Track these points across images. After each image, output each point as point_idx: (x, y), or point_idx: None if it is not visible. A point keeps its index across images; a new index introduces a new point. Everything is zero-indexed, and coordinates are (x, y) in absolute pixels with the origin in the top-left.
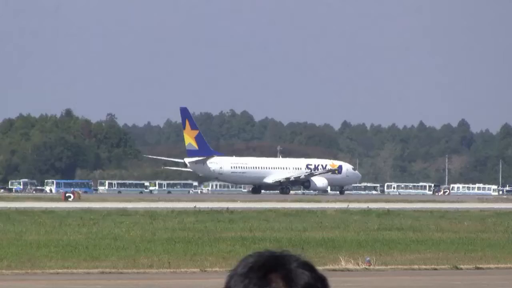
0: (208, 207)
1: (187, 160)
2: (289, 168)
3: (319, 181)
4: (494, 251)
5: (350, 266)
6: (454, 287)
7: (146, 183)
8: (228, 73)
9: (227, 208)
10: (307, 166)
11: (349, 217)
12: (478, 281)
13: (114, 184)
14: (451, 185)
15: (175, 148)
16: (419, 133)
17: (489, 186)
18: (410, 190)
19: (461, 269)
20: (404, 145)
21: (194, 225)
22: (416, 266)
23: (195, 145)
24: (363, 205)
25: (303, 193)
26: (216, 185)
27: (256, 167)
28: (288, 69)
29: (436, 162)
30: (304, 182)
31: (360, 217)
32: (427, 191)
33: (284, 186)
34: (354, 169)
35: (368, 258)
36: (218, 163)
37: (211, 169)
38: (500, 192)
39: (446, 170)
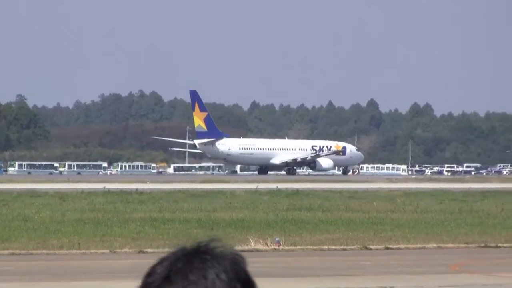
0: (117, 188)
1: (196, 141)
2: (295, 149)
3: (325, 162)
4: (403, 231)
5: (260, 246)
6: (363, 267)
7: (56, 164)
8: (136, 54)
9: (136, 189)
10: (312, 147)
11: (259, 197)
12: (388, 261)
13: (24, 165)
14: (360, 165)
15: (84, 129)
16: (328, 113)
17: (398, 166)
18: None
19: (371, 249)
20: (313, 125)
21: (103, 206)
22: (325, 247)
23: (204, 127)
24: (272, 186)
25: (309, 174)
26: (125, 166)
27: (263, 149)
28: (197, 49)
29: (345, 142)
30: (310, 163)
31: (269, 198)
32: (336, 171)
33: (290, 167)
34: (357, 150)
35: (277, 239)
36: (227, 145)
37: (219, 150)
38: (409, 172)
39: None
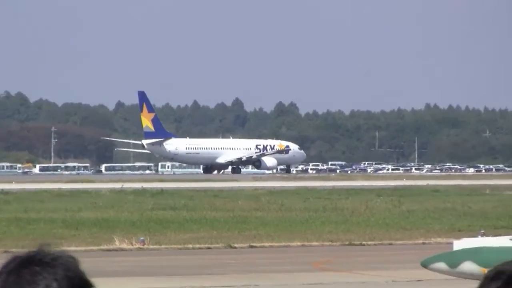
0: None
1: (144, 141)
2: (240, 149)
3: (269, 161)
4: (268, 229)
5: (124, 245)
6: (228, 266)
7: None
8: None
9: (2, 189)
10: (256, 146)
11: (124, 197)
12: (252, 260)
13: None
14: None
15: None
16: (193, 112)
17: None
18: (184, 169)
19: (235, 247)
20: (178, 125)
21: None
22: (190, 245)
23: (151, 128)
24: (137, 185)
25: (253, 173)
26: None
27: (209, 148)
28: (62, 50)
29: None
30: (255, 162)
31: (134, 197)
32: (201, 170)
33: (235, 166)
34: (300, 149)
35: (142, 238)
36: (174, 145)
37: (167, 150)
38: (274, 171)
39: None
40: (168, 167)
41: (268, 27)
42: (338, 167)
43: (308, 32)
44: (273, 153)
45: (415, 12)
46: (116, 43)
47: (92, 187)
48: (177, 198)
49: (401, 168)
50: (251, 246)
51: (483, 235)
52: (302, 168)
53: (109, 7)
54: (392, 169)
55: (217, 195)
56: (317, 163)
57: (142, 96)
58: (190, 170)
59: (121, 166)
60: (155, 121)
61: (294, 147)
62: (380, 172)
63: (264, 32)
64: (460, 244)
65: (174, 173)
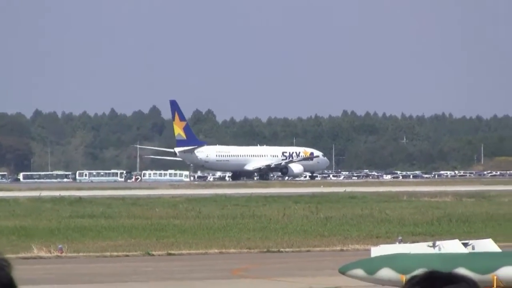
0: None
1: (176, 149)
2: (267, 156)
3: (296, 167)
4: (186, 236)
5: (43, 253)
6: (146, 273)
7: None
8: None
9: None
10: (282, 153)
11: (42, 205)
12: (170, 267)
13: None
14: (143, 172)
15: None
16: (111, 120)
17: (181, 172)
18: (102, 178)
19: (153, 255)
20: (96, 133)
21: None
22: (108, 253)
23: (183, 136)
24: (55, 193)
25: (279, 179)
26: None
27: (238, 155)
28: None
29: (128, 149)
30: (282, 169)
31: (52, 205)
32: (119, 178)
33: (263, 173)
34: (323, 155)
35: (60, 246)
36: (205, 152)
37: (198, 157)
38: (192, 178)
39: (138, 157)
40: (85, 175)
41: (183, 33)
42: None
43: (224, 37)
44: (300, 160)
45: (336, 14)
46: (33, 50)
47: (10, 195)
48: (95, 206)
49: (318, 175)
50: (169, 254)
51: (400, 241)
52: (220, 175)
53: (24, 14)
54: (310, 176)
55: (135, 203)
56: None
57: (174, 105)
58: (107, 178)
59: (39, 175)
60: (186, 130)
61: (318, 153)
62: (297, 179)
63: (180, 37)
64: (378, 250)
65: (91, 181)
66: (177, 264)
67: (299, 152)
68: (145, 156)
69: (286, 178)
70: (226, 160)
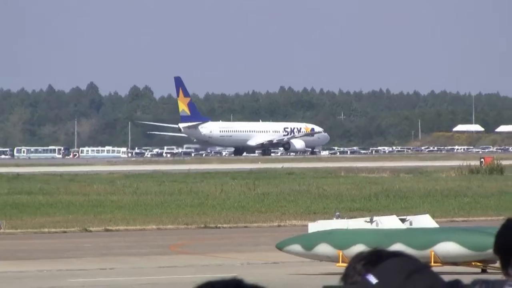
0: None
1: (181, 125)
2: (269, 131)
3: (298, 143)
4: (123, 212)
5: None
6: (84, 249)
7: None
8: None
9: None
10: (284, 129)
11: None
12: (108, 243)
13: None
14: (81, 148)
15: None
16: (48, 97)
17: (119, 148)
18: (40, 154)
19: (91, 231)
20: (34, 109)
21: None
22: (46, 229)
23: (187, 112)
24: None
25: (281, 154)
26: None
27: (241, 131)
28: None
29: (65, 125)
30: (284, 144)
31: None
32: (56, 155)
33: (265, 148)
34: (324, 131)
35: None
36: (208, 128)
37: (202, 133)
38: (129, 155)
39: (76, 133)
40: (23, 151)
41: (118, 7)
42: (193, 151)
43: (156, 11)
44: (302, 136)
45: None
46: None
47: None
48: (33, 182)
49: (256, 151)
50: (107, 230)
51: (338, 217)
52: (157, 151)
53: None
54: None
55: (72, 179)
56: (172, 147)
57: (179, 81)
58: (45, 154)
59: None
60: (191, 106)
61: (318, 129)
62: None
63: (114, 12)
64: (315, 226)
65: (29, 158)
66: (114, 240)
67: (300, 128)
68: (149, 132)
69: (288, 154)
70: (229, 136)
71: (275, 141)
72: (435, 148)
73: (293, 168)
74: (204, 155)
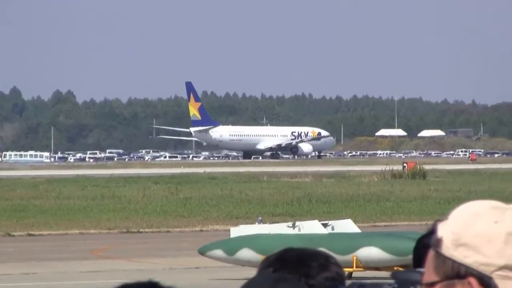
0: None
1: (192, 129)
2: (277, 136)
3: (306, 147)
4: (46, 217)
5: None
6: (6, 254)
7: None
8: None
9: None
10: (292, 133)
11: None
12: (31, 248)
13: None
14: (4, 153)
15: None
16: None
17: (42, 153)
18: None
19: (14, 235)
20: None
21: None
22: None
23: (198, 116)
24: None
25: (289, 158)
26: None
27: (250, 135)
28: None
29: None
30: (292, 148)
31: None
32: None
33: (274, 152)
34: (330, 135)
35: None
36: (219, 132)
37: (212, 137)
38: (52, 159)
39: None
40: None
41: (41, 11)
42: (116, 155)
43: (78, 17)
44: (310, 140)
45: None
46: None
47: None
48: None
49: (179, 156)
50: (30, 234)
51: (260, 222)
52: (80, 156)
53: None
54: (170, 157)
55: None
56: (95, 152)
57: (190, 86)
58: None
59: None
60: (201, 110)
61: (325, 133)
62: (157, 160)
63: (37, 16)
64: (237, 231)
65: None
66: (37, 244)
67: (307, 132)
68: (160, 136)
69: (296, 157)
70: (239, 140)
71: (283, 145)
72: (358, 153)
73: (216, 173)
74: (127, 159)
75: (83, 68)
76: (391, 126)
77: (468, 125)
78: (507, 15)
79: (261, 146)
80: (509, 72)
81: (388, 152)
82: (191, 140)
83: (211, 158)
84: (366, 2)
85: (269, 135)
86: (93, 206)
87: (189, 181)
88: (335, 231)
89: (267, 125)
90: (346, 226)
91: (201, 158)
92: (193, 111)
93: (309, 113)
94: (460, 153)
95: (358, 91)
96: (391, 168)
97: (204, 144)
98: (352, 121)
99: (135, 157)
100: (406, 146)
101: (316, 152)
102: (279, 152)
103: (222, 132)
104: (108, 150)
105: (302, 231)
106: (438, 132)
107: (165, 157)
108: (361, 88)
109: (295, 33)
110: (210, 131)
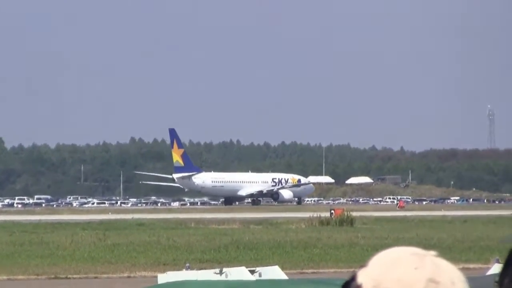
0: None
1: (175, 175)
2: (258, 182)
3: (286, 193)
4: None
5: None
6: None
7: None
8: None
9: None
10: (272, 180)
11: None
12: None
13: None
14: None
15: None
16: None
17: None
18: None
19: None
20: None
21: None
22: None
23: (181, 163)
24: None
25: (270, 204)
26: None
27: (232, 181)
28: None
29: None
30: (273, 194)
31: None
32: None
33: (255, 198)
34: (309, 182)
35: None
36: (201, 178)
37: (195, 183)
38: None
39: None
40: None
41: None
42: (44, 201)
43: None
44: (290, 187)
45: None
46: None
47: None
48: None
49: (106, 202)
50: None
51: (188, 268)
52: (8, 202)
53: None
54: (98, 203)
55: None
56: (23, 197)
57: (173, 133)
58: None
59: None
60: (184, 157)
61: (304, 180)
62: (85, 206)
63: (8, 57)
64: (165, 277)
65: None
66: None
67: (288, 179)
68: (143, 182)
69: (277, 203)
70: (221, 186)
71: (265, 191)
72: None
73: (143, 219)
74: (55, 205)
75: (13, 114)
76: (319, 173)
77: (396, 172)
78: (437, 61)
79: (242, 192)
80: (437, 119)
81: (316, 199)
82: (118, 186)
83: (139, 205)
84: (289, 51)
85: (251, 182)
86: (21, 252)
87: (117, 227)
88: (262, 277)
89: (248, 172)
90: (274, 272)
91: (129, 205)
92: (176, 157)
93: (237, 159)
94: (388, 200)
95: (286, 138)
96: (318, 215)
97: (186, 190)
98: (280, 167)
99: (63, 203)
100: (334, 193)
101: (296, 198)
102: (260, 199)
103: (204, 179)
104: (36, 196)
105: (229, 278)
106: (365, 179)
107: (93, 203)
108: (289, 134)
109: (221, 78)
110: (192, 178)
